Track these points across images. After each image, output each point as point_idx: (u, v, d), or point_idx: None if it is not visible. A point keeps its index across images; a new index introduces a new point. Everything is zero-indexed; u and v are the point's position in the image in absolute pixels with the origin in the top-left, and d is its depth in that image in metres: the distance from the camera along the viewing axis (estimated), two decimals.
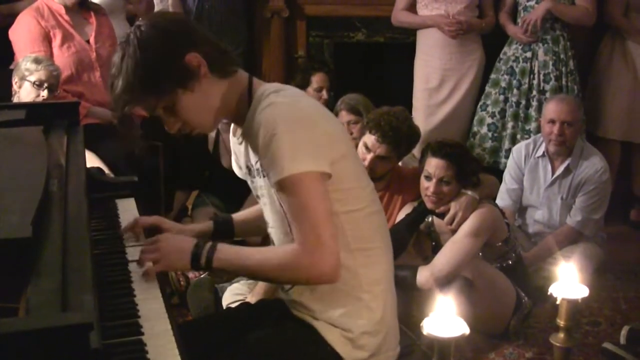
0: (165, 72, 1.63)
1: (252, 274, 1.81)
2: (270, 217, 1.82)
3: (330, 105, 4.23)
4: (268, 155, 1.61)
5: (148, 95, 1.66)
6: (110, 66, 1.70)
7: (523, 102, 4.05)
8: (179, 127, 1.73)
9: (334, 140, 1.69)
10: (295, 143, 1.60)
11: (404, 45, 4.56)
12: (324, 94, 4.18)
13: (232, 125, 1.90)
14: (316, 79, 4.17)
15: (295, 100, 1.68)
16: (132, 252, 1.84)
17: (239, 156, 1.92)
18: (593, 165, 3.50)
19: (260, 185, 1.79)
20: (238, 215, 2.13)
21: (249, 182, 1.89)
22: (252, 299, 2.68)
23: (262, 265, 1.70)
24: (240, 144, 1.84)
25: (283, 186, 1.61)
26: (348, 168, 1.72)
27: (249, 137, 1.74)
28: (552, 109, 3.52)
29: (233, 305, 2.70)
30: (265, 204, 1.81)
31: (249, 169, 1.85)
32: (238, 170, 1.98)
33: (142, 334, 1.49)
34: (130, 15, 4.67)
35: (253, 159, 1.78)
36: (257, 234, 2.29)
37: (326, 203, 1.62)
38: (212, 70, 1.68)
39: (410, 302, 2.75)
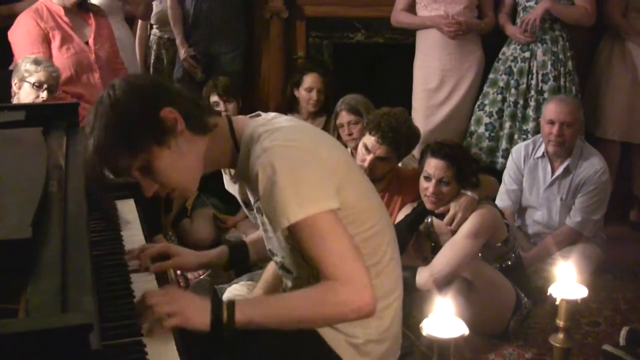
0: (140, 127, 1.56)
1: (284, 321, 1.60)
2: (278, 250, 1.79)
3: (330, 107, 4.24)
4: (272, 204, 1.56)
5: (121, 154, 1.57)
6: (86, 124, 1.62)
7: (521, 102, 4.05)
8: (156, 190, 1.65)
9: (334, 167, 1.65)
10: (298, 187, 1.55)
11: (403, 46, 4.56)
12: (314, 95, 4.16)
13: None
14: (307, 79, 4.16)
15: (288, 140, 1.61)
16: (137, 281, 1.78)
17: (232, 190, 1.91)
18: (592, 165, 3.50)
19: (262, 222, 1.76)
20: (251, 237, 2.07)
21: (247, 214, 1.88)
22: None
23: (297, 310, 1.59)
24: (235, 183, 1.82)
25: (295, 232, 1.57)
26: (353, 190, 1.69)
27: (245, 180, 1.71)
28: (551, 109, 3.51)
29: None
30: (271, 238, 1.78)
31: (246, 203, 1.83)
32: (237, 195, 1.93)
33: (142, 334, 1.49)
34: (129, 17, 4.69)
35: (251, 196, 1.75)
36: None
37: (347, 235, 1.58)
38: (189, 126, 1.61)
39: (409, 303, 2.74)
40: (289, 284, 1.90)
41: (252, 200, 1.76)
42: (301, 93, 4.24)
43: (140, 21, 4.74)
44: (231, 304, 1.56)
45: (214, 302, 1.56)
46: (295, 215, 1.54)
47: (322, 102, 4.23)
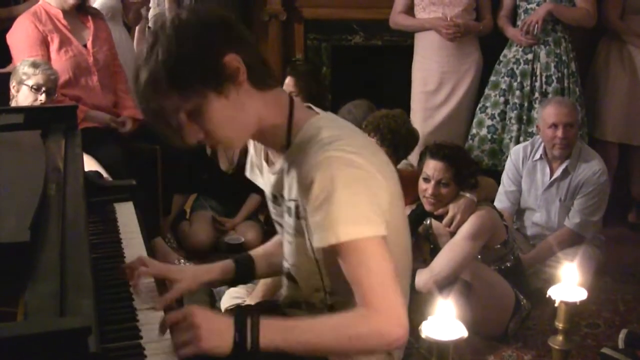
0: (200, 68, 1.43)
1: (311, 348, 1.51)
2: (291, 256, 1.71)
3: (325, 108, 4.22)
4: (321, 216, 1.47)
5: (174, 92, 1.44)
6: (137, 55, 1.50)
7: (525, 104, 4.05)
8: (200, 139, 1.52)
9: (387, 193, 1.56)
10: (354, 207, 1.46)
11: (401, 48, 4.56)
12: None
13: (254, 141, 1.75)
14: (285, 82, 4.11)
15: (353, 153, 1.49)
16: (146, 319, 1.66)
17: (265, 179, 1.77)
18: (591, 167, 3.50)
19: (289, 224, 1.66)
20: (257, 251, 1.95)
21: (270, 207, 1.76)
22: (250, 301, 2.68)
23: (325, 334, 1.50)
24: (274, 173, 1.67)
25: (342, 252, 1.48)
26: (396, 216, 1.62)
27: (289, 175, 1.60)
28: (552, 112, 3.49)
29: (231, 306, 2.70)
30: (291, 243, 1.69)
31: (275, 197, 1.71)
32: (262, 183, 1.81)
33: (141, 338, 1.49)
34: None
35: (286, 192, 1.64)
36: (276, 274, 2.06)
37: (392, 264, 1.50)
38: (251, 79, 1.49)
39: (408, 305, 2.74)
40: (285, 292, 1.85)
41: (286, 196, 1.64)
42: None
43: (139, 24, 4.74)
44: (255, 325, 1.46)
45: (238, 322, 1.46)
46: (347, 234, 1.45)
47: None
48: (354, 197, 1.46)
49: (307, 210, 1.52)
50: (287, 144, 1.59)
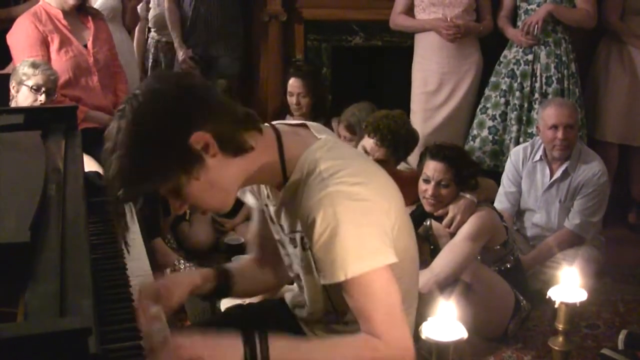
0: (164, 157, 1.38)
1: None
2: (295, 272, 1.71)
3: (326, 109, 4.23)
4: (327, 254, 1.46)
5: (145, 182, 1.40)
6: (106, 135, 1.42)
7: (525, 105, 4.05)
8: (188, 208, 1.52)
9: (393, 218, 1.55)
10: (360, 241, 1.45)
11: (401, 49, 4.56)
12: (294, 99, 4.12)
13: None
14: (289, 84, 4.13)
15: (354, 185, 1.48)
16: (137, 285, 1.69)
17: (255, 194, 1.76)
18: (591, 168, 3.50)
19: (294, 253, 1.66)
20: (235, 266, 1.93)
21: (270, 226, 1.73)
22: (250, 300, 2.68)
23: (333, 359, 1.52)
24: (274, 206, 1.65)
25: (350, 286, 1.48)
26: (403, 235, 1.61)
27: (289, 208, 1.59)
28: (552, 114, 3.49)
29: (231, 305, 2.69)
30: (292, 263, 1.70)
31: (275, 223, 1.69)
32: (254, 202, 1.79)
33: (141, 338, 1.49)
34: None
35: (286, 224, 1.63)
36: (257, 292, 2.07)
37: (398, 293, 1.50)
38: (223, 149, 1.43)
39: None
40: (294, 293, 1.87)
41: (287, 227, 1.63)
42: (287, 98, 4.24)
43: (138, 24, 4.74)
44: (264, 344, 1.46)
45: (246, 343, 1.46)
46: (354, 270, 1.44)
47: (310, 106, 4.18)
48: (358, 231, 1.45)
49: (311, 247, 1.50)
50: (283, 180, 1.56)
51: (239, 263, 1.96)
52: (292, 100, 4.17)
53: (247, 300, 2.70)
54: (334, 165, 1.49)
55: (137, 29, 4.77)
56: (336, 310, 1.69)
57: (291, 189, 1.54)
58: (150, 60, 4.76)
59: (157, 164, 1.38)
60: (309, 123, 1.65)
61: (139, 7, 4.67)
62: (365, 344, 1.49)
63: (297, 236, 1.59)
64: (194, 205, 1.49)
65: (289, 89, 4.16)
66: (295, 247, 1.63)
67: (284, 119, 3.89)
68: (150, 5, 4.78)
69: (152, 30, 4.77)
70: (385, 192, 1.56)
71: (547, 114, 3.51)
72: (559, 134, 3.45)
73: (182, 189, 1.43)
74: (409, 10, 4.22)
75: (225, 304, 2.87)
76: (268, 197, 1.67)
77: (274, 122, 1.61)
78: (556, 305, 1.88)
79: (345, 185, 1.46)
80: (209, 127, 1.40)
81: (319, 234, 1.45)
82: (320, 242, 1.46)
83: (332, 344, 1.57)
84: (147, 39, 4.83)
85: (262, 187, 1.70)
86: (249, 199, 1.79)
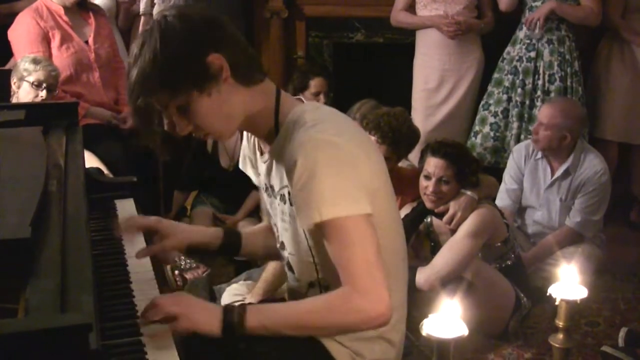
0: (183, 70, 1.51)
1: (297, 328, 1.57)
2: (289, 244, 1.74)
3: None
4: (306, 195, 1.51)
5: (162, 90, 1.53)
6: (130, 53, 1.57)
7: (527, 102, 4.05)
8: (191, 131, 1.60)
9: (373, 173, 1.61)
10: (337, 186, 1.50)
11: (403, 46, 4.55)
12: (322, 98, 4.17)
13: (247, 133, 1.81)
14: (314, 84, 4.15)
15: (336, 135, 1.55)
16: (137, 281, 1.75)
17: (258, 169, 1.82)
18: (593, 166, 3.50)
19: (282, 211, 1.70)
20: (247, 230, 2.02)
21: (264, 198, 1.81)
22: (252, 299, 2.68)
23: (309, 315, 1.56)
24: (265, 162, 1.73)
25: (325, 230, 1.52)
26: (384, 200, 1.65)
27: (278, 162, 1.65)
28: (540, 111, 3.59)
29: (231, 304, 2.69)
30: (287, 230, 1.72)
31: (267, 188, 1.76)
32: (255, 178, 1.87)
33: (141, 334, 1.49)
34: (130, 16, 4.69)
35: (276, 181, 1.69)
36: (263, 255, 2.11)
37: (376, 243, 1.53)
38: (234, 75, 1.55)
39: (409, 303, 2.74)
40: (287, 285, 1.88)
41: (277, 185, 1.69)
42: (307, 97, 4.23)
43: (142, 19, 4.74)
44: (242, 308, 1.55)
45: (226, 307, 1.56)
46: (329, 212, 1.49)
47: (327, 104, 4.24)
48: (337, 177, 1.50)
49: (293, 190, 1.56)
50: (275, 132, 1.64)
51: (251, 228, 2.03)
52: (317, 99, 4.18)
53: (247, 299, 2.72)
54: (319, 118, 1.59)
55: (140, 24, 4.76)
56: (319, 282, 1.71)
57: (281, 138, 1.61)
58: None
59: (175, 73, 1.51)
60: (303, 99, 1.75)
61: (142, 2, 4.67)
62: (339, 294, 1.53)
63: (286, 192, 1.65)
64: (198, 126, 1.58)
65: (315, 88, 4.17)
66: (284, 203, 1.67)
67: None
68: (155, 0, 4.77)
69: None
70: (367, 151, 1.62)
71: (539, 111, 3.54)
72: (535, 129, 3.51)
73: (191, 105, 1.54)
74: (410, 7, 4.21)
75: (225, 300, 2.88)
76: (262, 154, 1.75)
77: None
78: (557, 303, 1.89)
79: (328, 135, 1.54)
80: (225, 53, 1.53)
81: (298, 177, 1.51)
82: (299, 185, 1.52)
83: (309, 300, 1.62)
84: None
85: (258, 155, 1.78)
86: (250, 173, 1.86)
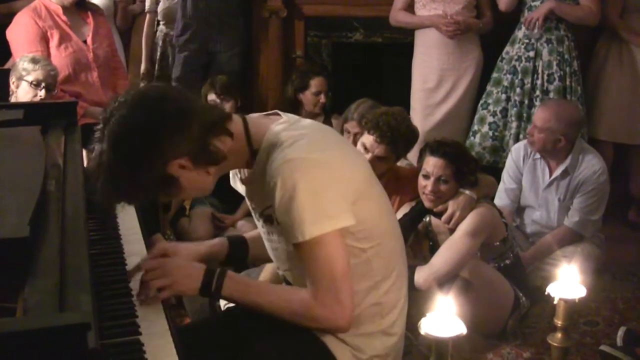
0: (145, 184, 1.56)
1: (261, 310, 1.70)
2: (284, 262, 1.78)
3: (327, 107, 4.24)
4: (288, 218, 1.57)
5: (131, 196, 1.63)
6: (95, 151, 1.59)
7: (526, 101, 4.05)
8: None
9: (353, 182, 1.65)
10: (316, 204, 1.56)
11: (401, 46, 4.56)
12: (322, 97, 4.19)
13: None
14: (315, 83, 4.17)
15: (312, 151, 1.60)
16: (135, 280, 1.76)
17: (239, 188, 1.89)
18: (591, 166, 3.50)
19: (268, 231, 1.76)
20: (250, 234, 2.05)
21: (254, 218, 1.85)
22: None
23: (273, 306, 1.67)
24: (244, 185, 1.79)
25: (302, 248, 1.59)
26: (370, 205, 1.69)
27: (256, 186, 1.69)
28: (535, 114, 3.61)
29: (231, 306, 2.69)
30: (277, 249, 1.77)
31: (254, 210, 1.81)
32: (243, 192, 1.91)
33: (140, 333, 1.50)
34: (132, 16, 4.70)
35: (258, 203, 1.75)
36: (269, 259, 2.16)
37: (345, 259, 1.61)
38: (197, 164, 1.59)
39: (408, 302, 2.75)
40: None
41: (260, 206, 1.74)
42: (307, 97, 4.24)
43: (147, 17, 4.75)
44: (222, 276, 1.66)
45: (207, 275, 1.66)
46: (310, 232, 1.55)
47: (326, 104, 4.26)
48: (314, 196, 1.55)
49: (277, 214, 1.61)
50: (252, 158, 1.68)
51: (255, 231, 2.06)
52: (317, 99, 4.19)
53: None
54: (294, 136, 1.62)
55: (146, 22, 4.77)
56: None
57: (259, 166, 1.66)
58: (158, 53, 4.76)
59: (137, 189, 1.58)
60: (281, 112, 1.76)
61: (148, 1, 4.68)
62: (305, 301, 1.62)
63: (271, 211, 1.68)
64: (174, 199, 1.64)
65: (316, 88, 4.18)
66: (271, 223, 1.71)
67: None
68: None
69: (161, 23, 4.77)
70: (346, 161, 1.67)
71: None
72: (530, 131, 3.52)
73: (161, 196, 1.67)
74: (409, 7, 4.21)
75: (224, 300, 2.88)
76: (242, 181, 1.80)
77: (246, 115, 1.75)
78: (555, 302, 1.89)
79: (305, 153, 1.58)
80: (184, 151, 1.55)
81: (279, 199, 1.57)
82: (280, 207, 1.57)
83: (279, 292, 1.71)
84: (155, 32, 4.82)
85: (237, 180, 1.85)
86: (241, 190, 1.89)
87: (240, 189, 1.90)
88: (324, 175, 1.58)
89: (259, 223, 1.79)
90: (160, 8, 4.72)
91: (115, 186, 1.55)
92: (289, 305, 1.65)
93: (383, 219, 1.74)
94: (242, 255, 2.00)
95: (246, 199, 1.84)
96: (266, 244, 1.82)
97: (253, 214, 1.83)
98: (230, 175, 1.91)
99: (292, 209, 1.54)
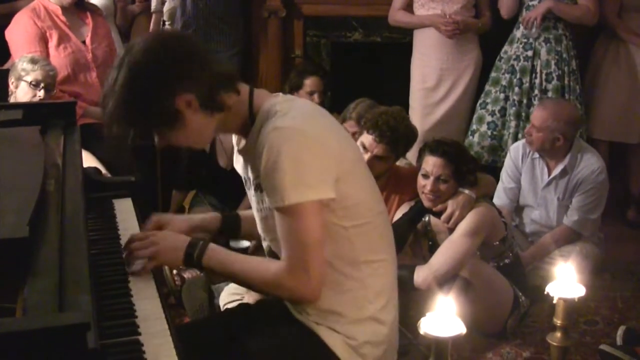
0: (152, 111, 1.62)
1: (236, 280, 1.84)
2: (271, 231, 1.79)
3: (326, 107, 4.24)
4: (269, 181, 1.62)
5: (135, 125, 1.67)
6: (106, 81, 1.67)
7: (524, 101, 4.05)
8: (168, 143, 1.74)
9: (339, 157, 1.68)
10: (298, 172, 1.60)
11: (400, 45, 4.56)
12: (316, 97, 4.16)
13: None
14: (309, 83, 4.14)
15: (300, 123, 1.64)
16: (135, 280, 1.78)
17: (238, 164, 1.92)
18: (590, 165, 3.50)
19: (259, 200, 1.79)
20: (245, 212, 2.10)
21: (246, 189, 1.89)
22: (249, 299, 2.68)
23: (246, 275, 1.74)
24: (241, 154, 1.83)
25: (281, 212, 1.63)
26: (354, 182, 1.71)
27: (251, 155, 1.73)
28: (533, 113, 3.61)
29: (230, 306, 2.70)
30: (267, 217, 1.79)
31: (245, 180, 1.85)
32: (240, 171, 1.95)
33: (139, 334, 1.49)
34: (132, 16, 4.70)
35: (251, 173, 1.79)
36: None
37: (320, 231, 1.64)
38: (203, 107, 1.65)
39: (407, 301, 2.75)
40: None
41: (252, 176, 1.79)
42: (301, 96, 4.23)
43: (153, 17, 4.74)
44: (204, 247, 1.74)
45: (190, 245, 1.74)
46: (290, 198, 1.59)
47: (320, 104, 4.24)
48: (298, 164, 1.59)
49: (262, 179, 1.66)
50: (250, 125, 1.73)
51: (249, 211, 2.09)
52: (311, 98, 4.17)
53: (245, 298, 2.71)
54: (289, 107, 1.68)
55: (152, 22, 4.76)
56: None
57: (253, 135, 1.70)
58: None
59: (145, 115, 1.62)
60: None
61: (154, 1, 4.67)
62: (276, 269, 1.67)
63: (259, 181, 1.73)
64: (174, 144, 1.73)
65: (310, 87, 4.16)
66: (261, 192, 1.75)
67: None
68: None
69: (167, 23, 4.77)
70: (336, 139, 1.70)
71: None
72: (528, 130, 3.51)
73: (164, 135, 1.69)
74: (408, 7, 4.21)
75: (223, 299, 2.88)
76: (239, 152, 1.84)
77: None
78: (555, 301, 1.89)
79: (294, 122, 1.63)
80: (193, 89, 1.61)
81: (264, 165, 1.61)
82: (264, 173, 1.62)
83: (252, 262, 1.77)
84: None
85: (236, 149, 1.87)
86: (240, 169, 1.93)
87: (241, 171, 1.93)
88: (310, 146, 1.62)
89: (251, 193, 1.83)
90: (165, 8, 4.71)
91: (124, 110, 1.60)
92: (261, 275, 1.70)
93: (368, 202, 1.77)
94: (234, 228, 2.06)
95: (242, 171, 1.87)
96: (256, 215, 1.85)
97: (247, 189, 1.87)
98: (235, 157, 1.94)
99: (274, 174, 1.59)
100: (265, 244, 1.88)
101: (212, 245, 1.76)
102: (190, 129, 1.66)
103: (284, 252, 1.66)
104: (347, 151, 1.74)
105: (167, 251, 1.76)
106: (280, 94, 1.80)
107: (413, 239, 3.15)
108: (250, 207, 2.15)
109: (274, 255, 1.83)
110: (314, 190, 1.61)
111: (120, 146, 3.58)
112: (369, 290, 1.74)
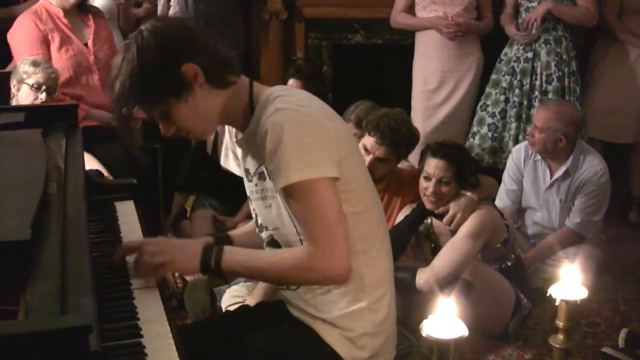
0: (160, 81, 1.64)
1: (263, 275, 1.80)
2: (274, 220, 1.79)
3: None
4: (275, 162, 1.61)
5: (143, 100, 1.67)
6: (113, 66, 1.70)
7: (525, 102, 4.05)
8: (174, 132, 1.74)
9: (339, 141, 1.69)
10: (303, 150, 1.60)
11: (402, 47, 4.56)
12: None
13: (228, 128, 1.91)
14: (290, 84, 4.08)
15: (300, 105, 1.66)
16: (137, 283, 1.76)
17: (237, 156, 1.91)
18: (592, 167, 3.50)
19: (262, 189, 1.78)
20: (235, 232, 2.09)
21: (245, 182, 1.88)
22: (251, 301, 2.68)
23: (275, 266, 1.70)
24: (239, 146, 1.83)
25: (291, 193, 1.62)
26: (352, 168, 1.72)
27: (252, 143, 1.73)
28: (535, 114, 3.62)
29: (232, 308, 2.70)
30: (271, 205, 1.78)
31: (247, 173, 1.84)
32: (238, 170, 1.95)
33: (142, 336, 1.49)
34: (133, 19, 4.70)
35: (252, 163, 1.79)
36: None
37: (338, 205, 1.63)
38: (209, 81, 1.68)
39: (409, 303, 2.75)
40: None
41: (253, 166, 1.79)
42: None
43: None
44: (219, 252, 1.69)
45: (205, 250, 1.70)
46: (295, 176, 1.59)
47: None
48: (302, 141, 1.60)
49: (266, 160, 1.65)
50: (250, 114, 1.75)
51: (241, 228, 2.10)
52: None
53: (247, 300, 2.72)
54: (287, 93, 1.72)
55: None
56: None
57: (254, 122, 1.71)
58: None
59: (153, 86, 1.64)
60: None
61: (160, 5, 4.68)
62: (304, 253, 1.65)
63: (263, 168, 1.73)
64: (179, 127, 1.72)
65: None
66: (264, 180, 1.76)
67: None
68: (171, 3, 4.78)
69: None
70: (336, 125, 1.72)
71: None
72: (530, 131, 3.50)
73: (172, 112, 1.67)
74: (410, 9, 4.22)
75: (225, 302, 2.88)
76: (238, 143, 1.84)
77: None
78: (557, 303, 1.89)
79: (294, 104, 1.66)
80: (197, 61, 1.65)
81: (269, 146, 1.62)
82: (270, 153, 1.62)
83: (276, 253, 1.77)
84: None
85: (238, 149, 1.87)
86: (233, 166, 1.96)
87: (233, 166, 1.96)
88: (313, 128, 1.64)
89: (252, 184, 1.82)
90: (171, 12, 4.72)
91: (132, 83, 1.63)
92: (289, 264, 1.67)
93: (365, 189, 1.78)
94: None
95: (240, 163, 1.87)
96: (258, 206, 1.83)
97: (246, 181, 1.86)
98: (222, 154, 1.97)
99: (279, 153, 1.59)
100: (265, 234, 1.85)
101: (227, 247, 1.74)
102: (197, 107, 1.68)
103: (308, 233, 1.64)
104: (345, 135, 1.76)
105: (181, 261, 1.73)
106: (277, 86, 1.82)
107: (415, 242, 3.15)
108: (248, 216, 2.17)
109: (275, 244, 1.82)
110: (320, 168, 1.61)
111: (123, 149, 3.59)
112: (365, 280, 1.74)
